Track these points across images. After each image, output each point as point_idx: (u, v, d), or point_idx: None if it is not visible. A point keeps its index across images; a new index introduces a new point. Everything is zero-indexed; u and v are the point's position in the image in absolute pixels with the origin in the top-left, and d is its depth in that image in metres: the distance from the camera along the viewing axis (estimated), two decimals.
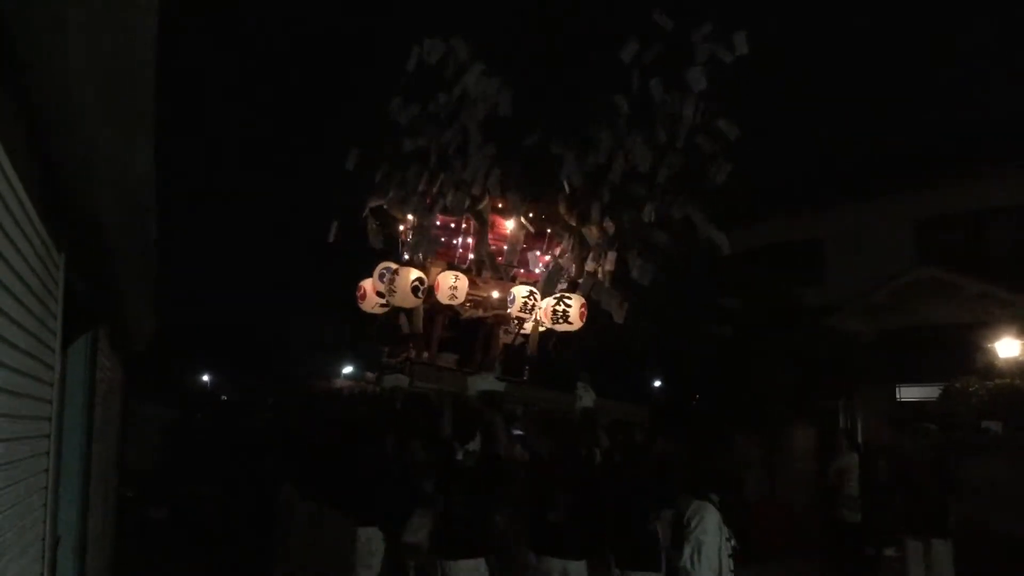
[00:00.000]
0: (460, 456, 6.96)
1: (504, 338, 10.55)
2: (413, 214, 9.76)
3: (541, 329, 10.47)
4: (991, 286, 14.97)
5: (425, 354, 10.16)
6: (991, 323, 14.34)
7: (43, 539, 4.04)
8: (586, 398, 8.55)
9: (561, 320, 10.05)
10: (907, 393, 16.53)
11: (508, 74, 9.50)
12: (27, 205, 3.09)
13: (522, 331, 10.46)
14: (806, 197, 20.02)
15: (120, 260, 4.90)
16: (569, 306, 10.02)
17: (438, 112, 9.40)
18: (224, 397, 30.80)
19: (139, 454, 14.39)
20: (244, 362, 30.61)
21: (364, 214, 9.74)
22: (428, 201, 9.59)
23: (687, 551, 4.55)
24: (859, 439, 16.69)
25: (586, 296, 10.04)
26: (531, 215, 10.18)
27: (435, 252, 9.86)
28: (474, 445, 7.03)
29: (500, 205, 10.10)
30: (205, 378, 35.52)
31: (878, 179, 18.58)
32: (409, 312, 10.30)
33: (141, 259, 5.06)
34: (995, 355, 14.13)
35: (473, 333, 10.78)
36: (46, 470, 4.05)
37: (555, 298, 10.04)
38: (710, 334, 17.95)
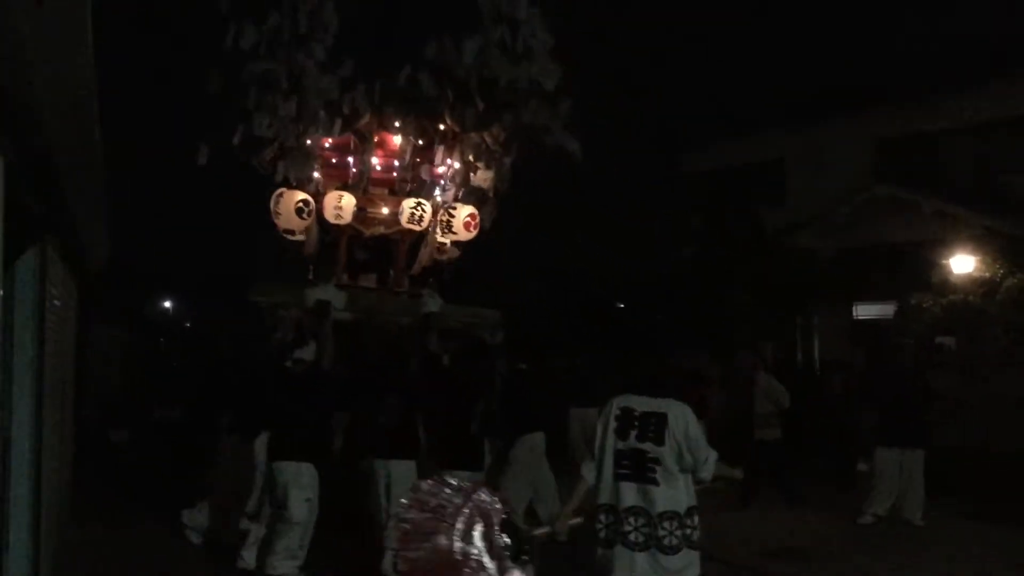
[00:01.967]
0: (289, 364, 7.23)
1: (433, 254, 10.60)
2: (281, 139, 9.68)
3: (444, 243, 10.62)
4: (947, 204, 15.15)
5: (345, 276, 10.27)
6: (946, 241, 14.54)
7: None
8: (431, 303, 8.75)
9: (446, 230, 10.27)
10: (863, 311, 16.79)
11: None
12: None
13: (439, 244, 10.58)
14: (768, 118, 20.02)
15: (64, 163, 4.77)
16: (452, 216, 10.24)
17: (281, 33, 9.36)
18: (188, 324, 30.69)
19: (99, 378, 14.33)
20: (204, 289, 30.39)
21: (235, 141, 9.60)
22: (297, 124, 9.56)
23: (690, 450, 4.71)
24: (816, 355, 17.03)
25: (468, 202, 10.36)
26: (417, 129, 10.21)
27: (309, 173, 9.88)
28: (306, 353, 7.24)
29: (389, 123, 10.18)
30: (167, 304, 35.28)
31: (839, 99, 18.59)
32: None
33: (86, 162, 4.94)
34: (950, 272, 14.38)
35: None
36: None
37: (442, 208, 10.28)
38: (672, 254, 18.10)
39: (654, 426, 4.76)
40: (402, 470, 7.24)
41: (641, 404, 4.87)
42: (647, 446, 4.74)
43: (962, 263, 14.28)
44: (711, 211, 18.69)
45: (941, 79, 17.13)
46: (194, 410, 13.29)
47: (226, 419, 8.44)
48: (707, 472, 4.83)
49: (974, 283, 14.16)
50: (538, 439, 8.82)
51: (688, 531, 4.72)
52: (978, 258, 14.28)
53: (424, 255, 10.55)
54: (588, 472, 5.06)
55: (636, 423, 4.81)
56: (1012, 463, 11.38)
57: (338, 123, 9.64)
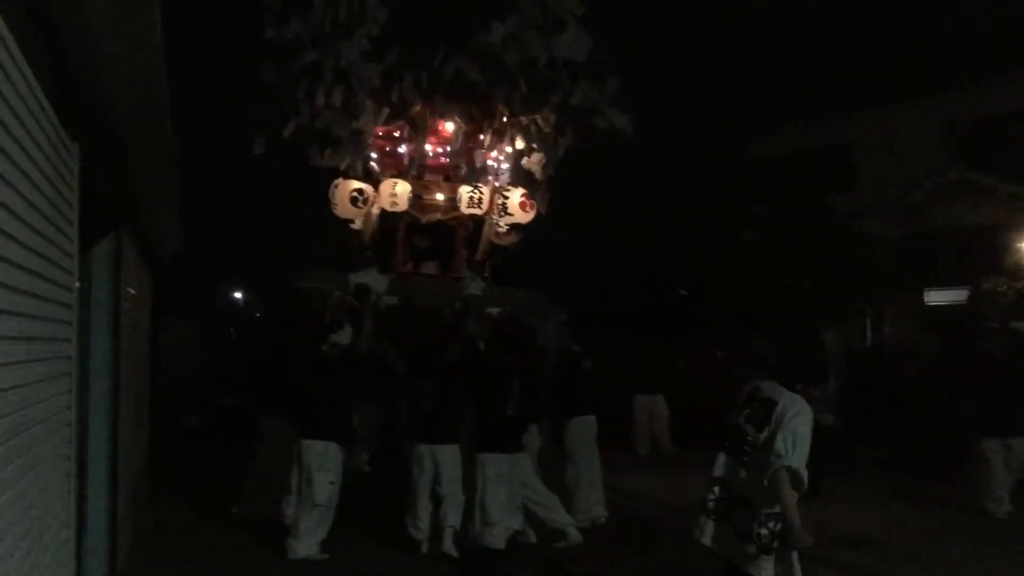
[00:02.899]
0: (325, 347, 7.37)
1: (492, 238, 10.65)
2: (331, 127, 9.77)
3: (501, 228, 10.65)
4: (1020, 187, 14.76)
5: (409, 264, 10.40)
6: (1020, 224, 14.18)
7: (69, 425, 4.12)
8: (473, 287, 8.72)
9: (503, 212, 10.33)
10: (934, 297, 16.43)
11: None
12: (34, 85, 3.06)
13: (498, 228, 10.61)
14: (836, 101, 19.65)
15: (137, 151, 4.90)
16: (507, 198, 10.32)
17: (322, 25, 9.48)
18: (257, 314, 31.12)
19: (172, 366, 14.64)
20: (272, 278, 30.82)
21: (288, 133, 9.73)
22: (344, 114, 9.72)
23: (782, 438, 4.49)
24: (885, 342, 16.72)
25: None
26: (469, 115, 10.30)
27: (358, 161, 10.02)
28: (342, 337, 7.37)
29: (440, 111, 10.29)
30: (236, 294, 35.86)
31: (908, 82, 18.17)
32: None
33: (159, 150, 5.06)
34: (1023, 256, 14.00)
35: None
36: (69, 374, 4.09)
37: (495, 191, 10.36)
38: (734, 240, 17.89)
39: (763, 411, 4.68)
40: (447, 454, 7.39)
41: (768, 389, 4.77)
42: (749, 428, 4.72)
43: None
44: (776, 196, 18.42)
45: (1013, 59, 16.70)
46: (255, 395, 13.55)
47: (270, 403, 8.59)
48: (778, 464, 4.54)
49: None
50: (589, 422, 8.81)
51: (765, 532, 4.55)
52: None
53: (485, 240, 10.59)
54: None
55: (755, 404, 4.77)
56: None
57: (385, 111, 9.76)
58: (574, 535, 7.75)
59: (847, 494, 10.24)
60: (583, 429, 8.75)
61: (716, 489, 4.81)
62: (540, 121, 10.19)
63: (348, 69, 9.51)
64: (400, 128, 10.44)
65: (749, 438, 4.69)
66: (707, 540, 4.76)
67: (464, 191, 10.16)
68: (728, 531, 4.69)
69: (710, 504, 4.80)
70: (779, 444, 4.49)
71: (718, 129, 22.19)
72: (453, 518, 7.36)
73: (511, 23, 9.83)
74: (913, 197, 16.13)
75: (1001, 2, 17.81)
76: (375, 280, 8.56)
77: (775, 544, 4.54)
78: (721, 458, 4.86)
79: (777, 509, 4.51)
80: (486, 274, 10.33)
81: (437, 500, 7.45)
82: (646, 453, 13.14)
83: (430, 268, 10.60)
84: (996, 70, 16.76)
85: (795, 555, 4.63)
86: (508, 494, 7.14)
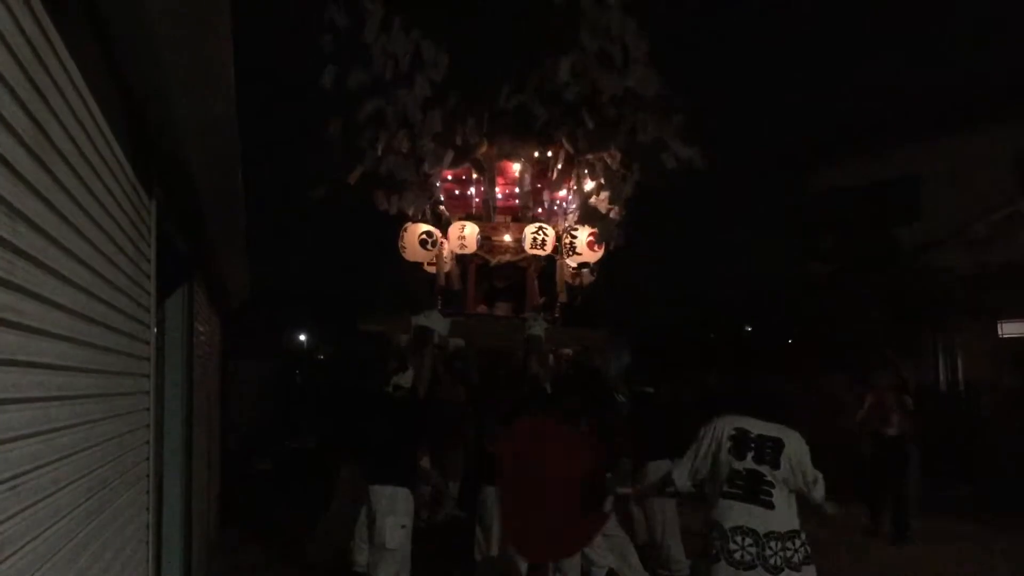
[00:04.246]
0: (389, 390, 7.26)
1: (566, 278, 10.63)
2: (397, 173, 9.86)
3: (572, 267, 10.63)
4: None
5: (482, 306, 10.44)
6: None
7: (148, 476, 4.19)
8: (535, 327, 8.62)
9: (570, 252, 10.28)
10: (1009, 329, 16.04)
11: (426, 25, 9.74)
12: (115, 146, 3.17)
13: (574, 269, 10.60)
14: (902, 133, 19.42)
15: (210, 205, 5.02)
16: (575, 237, 10.25)
17: (383, 73, 9.59)
18: (321, 356, 31.55)
19: (242, 409, 14.86)
20: (337, 322, 31.27)
21: (353, 180, 9.86)
22: (410, 159, 9.83)
23: (803, 472, 4.77)
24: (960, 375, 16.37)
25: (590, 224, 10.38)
26: (535, 155, 10.34)
27: (423, 205, 10.12)
28: (404, 379, 7.25)
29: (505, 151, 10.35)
30: (302, 338, 36.34)
31: (975, 113, 17.92)
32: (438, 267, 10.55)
33: (230, 203, 5.18)
34: None
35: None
36: (147, 425, 4.16)
37: (563, 231, 10.33)
38: (803, 275, 17.70)
39: (771, 449, 4.85)
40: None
41: (755, 427, 4.94)
42: (763, 468, 4.83)
43: None
44: (844, 228, 18.19)
45: None
46: (323, 439, 13.66)
47: (342, 448, 8.63)
48: (819, 493, 4.94)
49: None
50: (666, 467, 8.67)
51: (790, 552, 4.74)
52: None
53: (559, 280, 10.59)
54: (680, 478, 5.21)
55: (752, 445, 4.89)
56: None
57: (450, 155, 9.81)
58: None
59: (929, 535, 9.98)
60: (658, 474, 8.60)
61: (740, 539, 4.80)
62: (607, 158, 10.20)
63: (408, 115, 9.64)
64: (467, 171, 10.54)
65: (767, 478, 4.81)
66: None
67: (528, 231, 10.16)
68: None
69: (739, 555, 4.78)
70: (802, 481, 4.85)
71: (783, 161, 22.00)
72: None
73: (572, 58, 9.83)
74: (981, 228, 15.81)
75: None
76: (436, 322, 8.53)
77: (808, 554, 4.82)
78: (736, 507, 4.87)
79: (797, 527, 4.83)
80: (556, 315, 10.29)
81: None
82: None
83: (503, 309, 10.60)
84: None
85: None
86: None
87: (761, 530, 4.75)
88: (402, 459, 7.15)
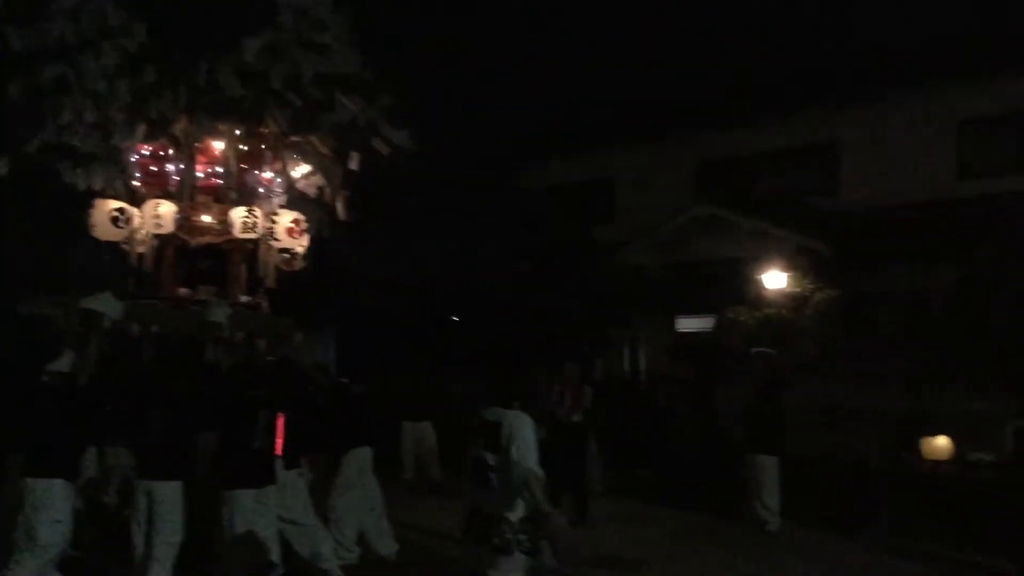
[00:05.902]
0: (45, 377, 6.96)
1: (276, 263, 10.46)
2: (83, 145, 9.48)
3: (286, 253, 10.41)
4: (761, 223, 16.02)
5: (182, 289, 9.96)
6: (760, 258, 15.41)
7: None
8: (217, 313, 8.55)
9: (271, 237, 10.08)
10: (684, 324, 17.57)
11: None
12: None
13: (289, 252, 10.38)
14: (599, 137, 20.77)
15: None
16: (275, 223, 10.06)
17: (62, 37, 9.06)
18: None
19: None
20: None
21: (32, 149, 9.37)
22: (98, 130, 9.30)
23: (515, 448, 5.00)
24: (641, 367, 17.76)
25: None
26: (237, 135, 10.00)
27: (114, 181, 9.63)
28: (60, 365, 6.99)
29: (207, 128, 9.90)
30: None
31: (664, 122, 19.49)
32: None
33: None
34: (763, 287, 15.25)
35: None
36: None
37: (266, 215, 10.04)
38: (508, 269, 18.46)
39: (493, 435, 5.12)
40: (164, 491, 7.02)
41: (491, 415, 5.23)
42: (487, 455, 5.11)
43: (775, 279, 15.17)
44: (548, 227, 19.15)
45: (757, 106, 18.28)
46: None
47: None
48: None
49: (786, 298, 15.08)
50: (365, 454, 8.85)
51: (514, 535, 4.97)
52: (790, 274, 15.20)
53: (265, 264, 10.28)
54: None
55: (483, 432, 5.19)
56: (817, 468, 12.04)
57: (142, 128, 9.37)
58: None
59: (607, 515, 10.70)
60: (359, 460, 8.82)
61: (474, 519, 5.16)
62: (317, 142, 10.01)
63: (91, 83, 9.03)
64: (165, 147, 10.07)
65: (491, 463, 5.09)
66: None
67: (237, 214, 9.80)
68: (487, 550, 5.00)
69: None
70: (514, 454, 4.97)
71: (495, 160, 22.76)
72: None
73: (267, 38, 9.48)
74: (664, 230, 17.19)
75: (742, 48, 19.31)
76: (108, 306, 8.01)
77: (531, 545, 4.99)
78: (476, 491, 5.21)
79: (523, 513, 4.98)
80: (260, 300, 10.08)
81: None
82: (411, 478, 12.99)
83: (207, 292, 10.19)
84: (740, 117, 18.33)
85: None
86: (256, 530, 6.91)
87: (485, 509, 5.10)
88: (58, 450, 6.78)
